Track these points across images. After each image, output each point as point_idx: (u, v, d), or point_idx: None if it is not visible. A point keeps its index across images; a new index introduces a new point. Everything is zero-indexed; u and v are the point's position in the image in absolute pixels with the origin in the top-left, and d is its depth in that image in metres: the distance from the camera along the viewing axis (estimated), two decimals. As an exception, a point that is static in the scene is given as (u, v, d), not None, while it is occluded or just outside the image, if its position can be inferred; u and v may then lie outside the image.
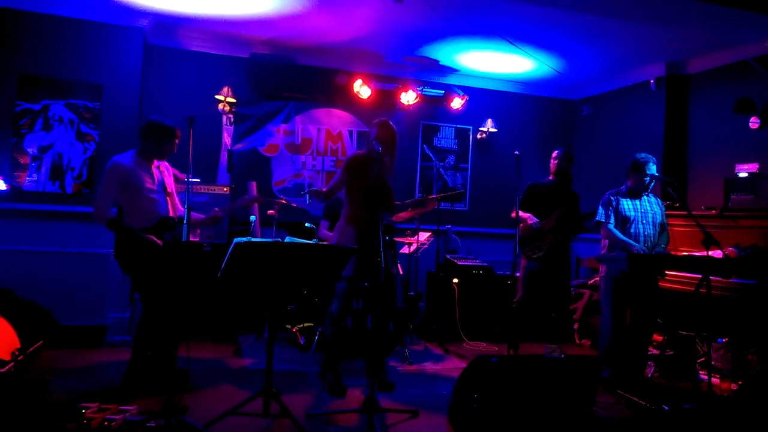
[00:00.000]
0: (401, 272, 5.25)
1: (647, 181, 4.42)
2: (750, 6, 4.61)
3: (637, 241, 4.36)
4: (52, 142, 5.20)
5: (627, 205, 4.42)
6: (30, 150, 5.15)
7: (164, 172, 3.95)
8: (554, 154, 5.21)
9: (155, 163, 3.92)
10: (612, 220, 4.42)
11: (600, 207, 4.50)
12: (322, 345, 4.19)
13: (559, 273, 5.07)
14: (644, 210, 4.43)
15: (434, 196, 5.62)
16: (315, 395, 3.90)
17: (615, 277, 4.34)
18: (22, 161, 5.12)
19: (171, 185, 3.97)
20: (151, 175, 3.86)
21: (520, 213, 4.98)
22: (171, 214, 3.90)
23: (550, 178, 5.21)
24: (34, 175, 5.15)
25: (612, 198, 4.46)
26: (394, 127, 4.02)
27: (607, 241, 4.52)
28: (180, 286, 3.75)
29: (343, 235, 3.99)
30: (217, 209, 4.01)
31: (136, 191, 3.77)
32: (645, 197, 4.48)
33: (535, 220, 5.00)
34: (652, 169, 4.39)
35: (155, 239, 3.71)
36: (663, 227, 4.52)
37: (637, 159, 4.45)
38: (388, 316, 4.14)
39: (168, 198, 3.92)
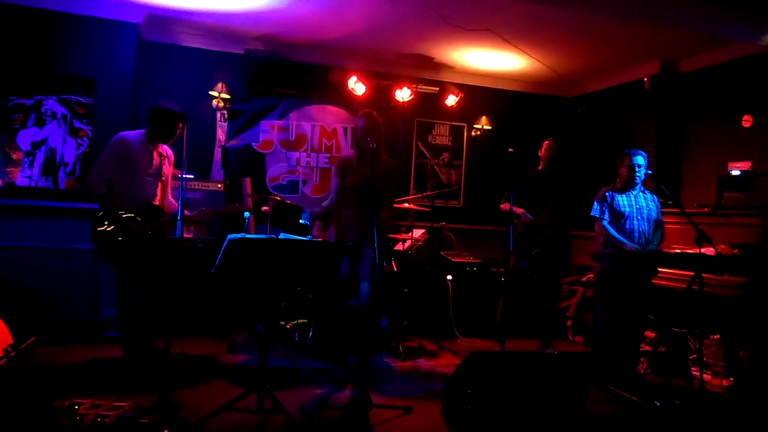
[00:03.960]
0: (395, 269, 5.25)
1: (635, 171, 4.35)
2: (743, 5, 4.64)
3: (632, 237, 4.35)
4: (44, 138, 5.18)
5: (622, 200, 4.41)
6: (22, 145, 5.12)
7: (164, 158, 4.12)
8: (545, 144, 5.21)
9: (159, 148, 4.11)
10: (606, 216, 4.41)
11: (595, 202, 4.49)
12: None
13: (553, 269, 5.07)
14: (639, 206, 4.41)
15: (428, 193, 5.61)
16: (308, 391, 3.90)
17: (608, 273, 4.36)
18: (14, 157, 5.09)
19: (167, 173, 4.16)
20: (151, 158, 4.08)
21: (514, 208, 4.96)
22: (158, 201, 4.08)
23: (540, 168, 5.20)
24: (27, 170, 5.12)
25: (607, 194, 4.45)
26: (379, 118, 4.11)
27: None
28: (157, 276, 3.94)
29: (331, 235, 4.12)
30: (203, 209, 4.20)
31: (133, 170, 3.96)
32: (641, 193, 4.45)
33: (529, 216, 5.00)
34: (639, 160, 4.37)
35: (133, 226, 3.85)
36: (658, 224, 4.48)
37: (623, 152, 4.47)
38: (380, 313, 4.16)
39: (160, 185, 4.10)
